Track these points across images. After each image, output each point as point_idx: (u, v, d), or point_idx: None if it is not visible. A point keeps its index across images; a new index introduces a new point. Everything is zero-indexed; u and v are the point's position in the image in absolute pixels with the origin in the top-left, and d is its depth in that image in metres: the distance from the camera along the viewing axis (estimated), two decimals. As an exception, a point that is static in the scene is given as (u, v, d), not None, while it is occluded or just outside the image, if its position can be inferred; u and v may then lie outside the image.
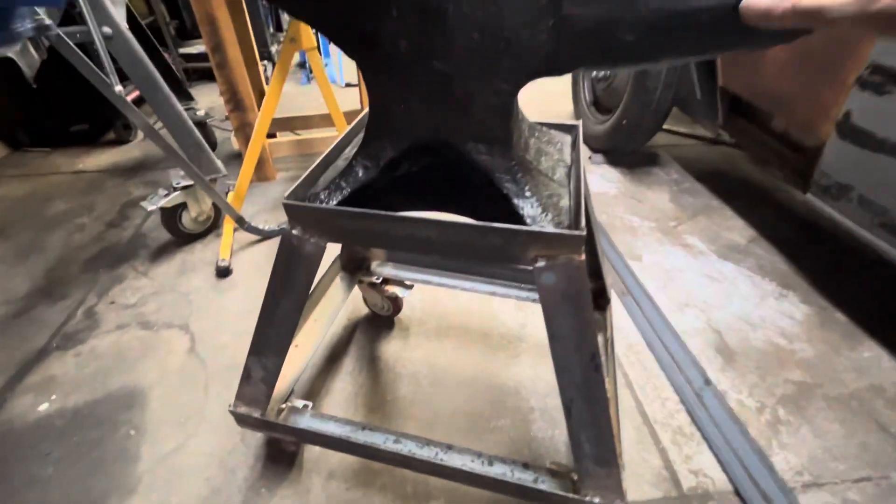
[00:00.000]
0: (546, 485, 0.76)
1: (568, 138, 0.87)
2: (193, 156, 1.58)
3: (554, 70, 0.60)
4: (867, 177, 1.16)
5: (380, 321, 1.34)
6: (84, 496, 0.96)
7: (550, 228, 0.62)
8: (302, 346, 1.06)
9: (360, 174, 0.72)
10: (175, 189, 1.54)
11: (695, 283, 1.49)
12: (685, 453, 1.03)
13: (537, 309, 0.83)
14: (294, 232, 0.72)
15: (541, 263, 0.62)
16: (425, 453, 0.81)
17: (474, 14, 0.56)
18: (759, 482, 0.96)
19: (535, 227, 0.62)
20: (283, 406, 0.92)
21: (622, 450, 0.80)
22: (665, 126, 2.48)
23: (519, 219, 0.65)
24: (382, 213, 0.65)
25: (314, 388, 1.16)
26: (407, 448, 0.82)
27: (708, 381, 1.15)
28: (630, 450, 1.03)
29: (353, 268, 1.24)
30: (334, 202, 0.71)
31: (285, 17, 4.35)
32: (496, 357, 1.23)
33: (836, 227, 1.25)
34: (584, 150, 2.35)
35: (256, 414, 0.88)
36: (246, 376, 0.87)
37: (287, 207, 0.70)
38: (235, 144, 2.16)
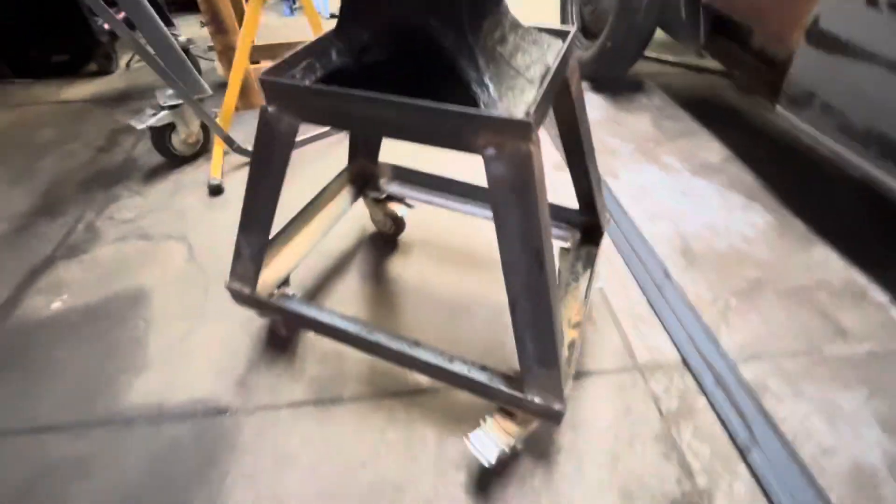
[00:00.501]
0: (498, 384, 0.79)
1: (559, 43, 0.82)
2: (179, 75, 1.58)
3: None
4: (830, 83, 1.21)
5: (386, 241, 1.39)
6: (100, 374, 1.07)
7: (498, 113, 0.61)
8: (300, 243, 1.12)
9: (334, 57, 0.76)
10: (163, 108, 1.56)
11: (667, 198, 1.57)
12: (642, 333, 1.15)
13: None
14: (270, 109, 0.76)
15: (490, 151, 0.61)
16: (394, 345, 0.86)
17: None
18: (704, 354, 1.08)
19: (483, 112, 0.62)
20: (275, 292, 1.00)
21: (575, 357, 0.84)
22: (652, 54, 2.47)
23: (475, 106, 0.65)
24: (347, 91, 0.67)
25: (315, 288, 1.25)
26: (377, 339, 0.87)
27: (668, 275, 1.26)
28: (593, 335, 1.15)
29: (361, 182, 1.27)
30: (307, 82, 0.75)
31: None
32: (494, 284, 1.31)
33: (803, 144, 1.31)
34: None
35: (247, 290, 0.96)
36: (237, 254, 0.95)
37: (263, 83, 0.74)
38: (220, 70, 2.14)
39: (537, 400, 0.76)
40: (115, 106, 2.13)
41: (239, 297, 1.00)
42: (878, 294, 1.24)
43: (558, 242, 1.04)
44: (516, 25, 0.79)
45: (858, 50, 1.11)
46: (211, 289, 1.27)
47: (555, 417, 0.77)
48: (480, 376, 0.80)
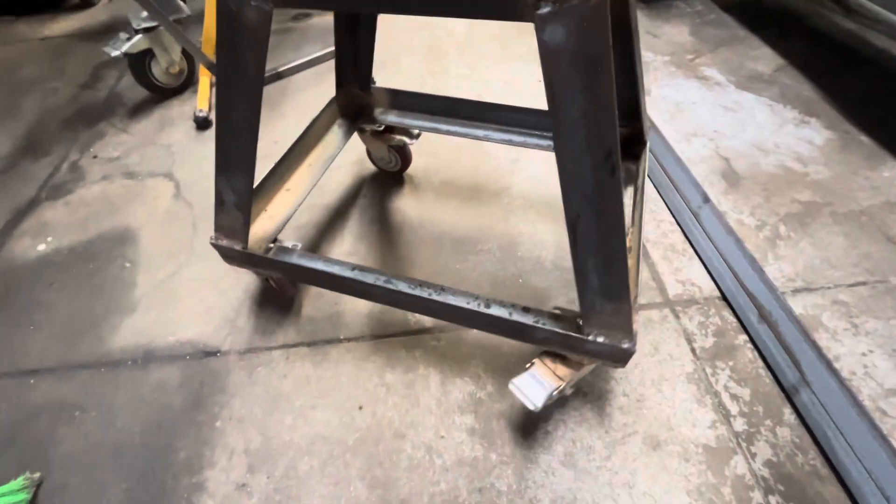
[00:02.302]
0: (551, 326, 0.68)
1: None
2: (151, -7, 1.41)
3: None
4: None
5: (390, 179, 1.25)
6: (87, 315, 1.01)
7: None
8: (293, 189, 0.98)
9: None
10: (137, 32, 1.41)
11: (707, 115, 1.36)
12: (675, 266, 1.01)
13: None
14: None
15: (544, 10, 0.45)
16: (420, 293, 0.75)
17: None
18: (747, 287, 0.94)
19: None
20: (272, 245, 0.86)
21: (637, 293, 0.70)
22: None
23: None
24: None
25: (314, 240, 1.14)
26: (399, 287, 0.75)
27: (707, 199, 1.10)
28: (618, 265, 1.01)
29: (353, 114, 1.10)
30: None
31: None
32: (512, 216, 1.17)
33: (873, 48, 1.08)
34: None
35: (238, 247, 0.83)
36: (219, 202, 0.80)
37: None
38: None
39: (602, 339, 0.65)
40: (98, 40, 1.98)
41: (229, 256, 0.86)
42: (959, 216, 1.06)
43: None
44: None
45: None
46: (199, 225, 1.18)
47: (622, 358, 0.66)
48: (526, 318, 0.69)
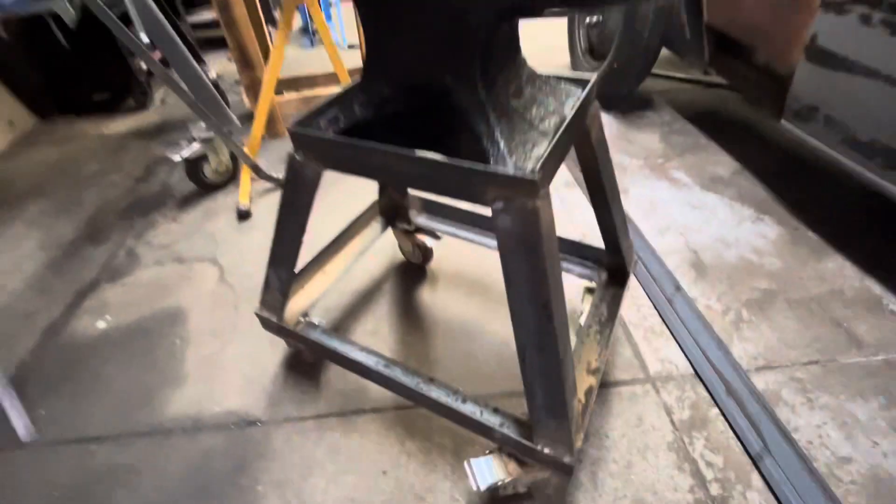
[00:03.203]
0: (509, 430, 0.78)
1: (578, 92, 0.82)
2: (211, 110, 1.71)
3: (525, 10, 0.65)
4: (831, 97, 1.24)
5: (414, 270, 1.44)
6: (142, 387, 1.15)
7: (504, 170, 0.60)
8: (329, 272, 1.18)
9: (357, 110, 0.81)
10: (196, 141, 1.69)
11: (677, 212, 1.60)
12: (654, 346, 1.18)
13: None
14: (298, 157, 0.82)
15: (497, 205, 0.62)
16: (409, 381, 0.88)
17: None
18: (716, 365, 1.10)
19: (490, 168, 0.62)
20: (302, 319, 1.06)
21: (591, 404, 0.82)
22: (661, 72, 2.53)
23: (486, 160, 0.65)
24: (364, 143, 0.69)
25: (345, 313, 1.32)
26: (393, 373, 0.90)
27: (678, 288, 1.29)
28: (605, 345, 1.18)
29: (391, 214, 1.34)
30: (331, 133, 0.80)
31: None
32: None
33: (814, 155, 1.34)
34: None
35: (274, 319, 1.02)
36: (266, 285, 1.01)
37: (291, 134, 0.79)
38: (247, 103, 2.28)
39: (546, 450, 0.75)
40: (151, 139, 2.29)
41: (267, 325, 1.06)
42: (893, 302, 1.24)
43: (583, 281, 1.07)
44: (534, 77, 0.80)
45: (856, 65, 1.14)
46: (241, 307, 1.35)
47: (564, 470, 0.75)
48: (492, 420, 0.81)
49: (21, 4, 0.99)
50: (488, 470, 0.80)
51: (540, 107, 0.75)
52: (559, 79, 0.83)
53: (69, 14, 1.13)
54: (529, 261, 0.64)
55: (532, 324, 0.68)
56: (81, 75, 2.45)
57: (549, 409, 0.72)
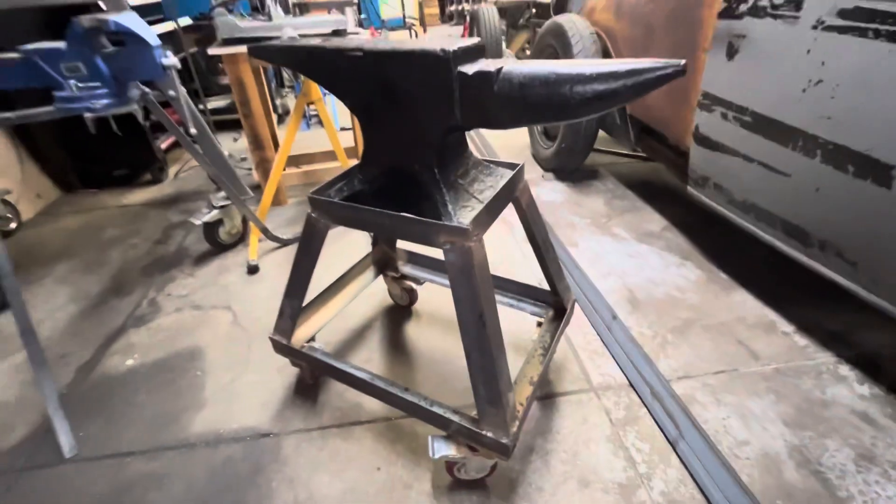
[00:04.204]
0: (463, 422, 1.02)
1: (510, 173, 1.09)
2: (230, 181, 2.04)
3: (461, 128, 0.93)
4: (715, 169, 1.65)
5: (401, 310, 1.71)
6: (168, 411, 1.35)
7: (450, 223, 0.89)
8: (329, 308, 1.45)
9: (356, 184, 1.15)
10: (215, 207, 2.00)
11: (616, 260, 1.94)
12: (596, 364, 1.45)
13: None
14: (313, 215, 1.13)
15: (447, 246, 0.89)
16: (390, 389, 1.13)
17: (409, 106, 0.94)
18: (645, 376, 1.38)
19: (442, 222, 0.90)
20: (305, 344, 1.32)
21: (529, 405, 1.05)
22: (607, 149, 3.02)
23: (440, 218, 0.93)
24: (360, 206, 0.99)
25: (342, 344, 1.57)
26: (378, 384, 1.15)
27: (615, 317, 1.59)
28: (556, 365, 1.45)
29: (382, 264, 1.63)
30: (338, 199, 1.12)
31: (286, 76, 4.99)
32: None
33: (715, 211, 1.72)
34: (538, 169, 2.83)
35: (284, 341, 1.28)
36: (280, 313, 1.28)
37: (310, 199, 1.11)
38: (255, 177, 2.64)
39: (490, 434, 0.97)
40: (167, 208, 2.60)
41: (278, 347, 1.32)
42: (784, 325, 1.56)
43: (535, 318, 1.37)
44: (478, 163, 1.11)
45: (724, 146, 1.56)
46: (252, 345, 1.58)
47: (503, 450, 0.96)
48: (452, 416, 1.04)
49: (108, 108, 1.32)
50: (444, 446, 1.05)
51: (480, 183, 1.08)
52: (498, 163, 1.16)
53: (139, 114, 1.48)
54: (468, 283, 0.90)
55: (472, 330, 0.93)
56: (104, 154, 2.79)
57: (488, 399, 0.96)
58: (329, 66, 1.01)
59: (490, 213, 0.98)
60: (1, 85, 1.28)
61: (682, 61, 0.68)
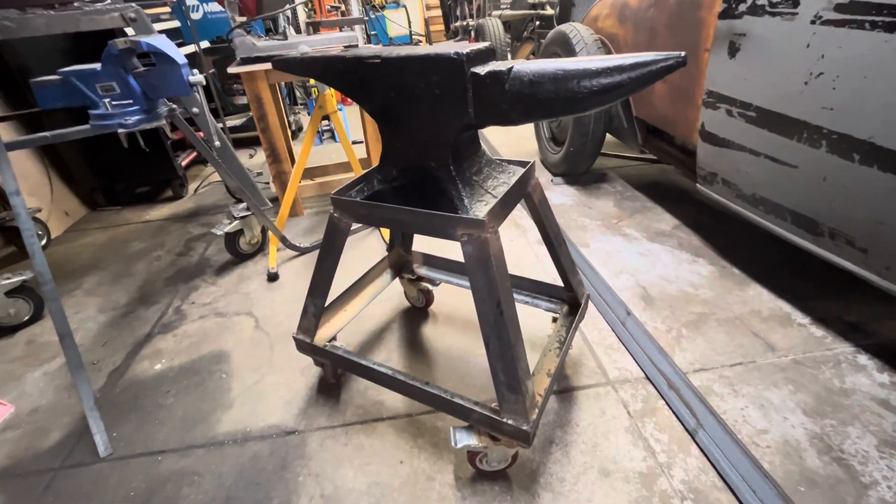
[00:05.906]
0: (484, 411, 1.04)
1: (521, 170, 1.15)
2: (251, 193, 2.12)
3: (474, 126, 1.02)
4: (723, 165, 1.68)
5: (417, 312, 1.76)
6: (197, 411, 1.40)
7: (466, 216, 0.93)
8: (349, 310, 1.49)
9: (375, 184, 1.20)
10: (236, 218, 2.07)
11: (629, 259, 1.96)
12: (613, 358, 1.47)
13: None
14: (335, 214, 1.19)
15: (464, 238, 0.94)
16: (412, 382, 1.15)
17: (425, 107, 1.00)
18: (661, 369, 1.39)
19: (459, 215, 0.95)
20: (328, 343, 1.36)
21: (548, 395, 1.07)
22: (615, 153, 3.06)
23: (456, 212, 0.97)
24: (379, 204, 1.06)
25: (360, 345, 1.61)
26: (399, 377, 1.17)
27: (629, 313, 1.61)
28: (573, 360, 1.47)
29: (399, 267, 1.68)
30: (359, 198, 1.18)
31: (298, 95, 5.14)
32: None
33: (725, 207, 1.74)
34: (547, 174, 2.88)
35: (308, 340, 1.32)
36: (304, 312, 1.33)
37: (333, 199, 1.18)
38: (273, 189, 2.72)
39: (510, 422, 0.99)
40: (188, 221, 2.69)
41: (301, 346, 1.36)
42: (800, 317, 1.56)
43: (549, 314, 1.40)
44: (491, 161, 1.16)
45: (731, 142, 1.59)
46: (275, 347, 1.63)
47: (523, 437, 0.97)
48: (473, 407, 1.07)
49: (139, 123, 1.40)
50: (466, 436, 1.08)
51: (493, 179, 1.12)
52: (510, 162, 1.22)
53: (167, 128, 1.56)
54: (486, 273, 0.94)
55: (491, 318, 0.97)
56: (127, 172, 2.91)
57: (508, 386, 0.98)
58: (349, 74, 1.07)
59: (504, 206, 1.02)
60: (42, 105, 1.37)
61: (682, 53, 0.72)
